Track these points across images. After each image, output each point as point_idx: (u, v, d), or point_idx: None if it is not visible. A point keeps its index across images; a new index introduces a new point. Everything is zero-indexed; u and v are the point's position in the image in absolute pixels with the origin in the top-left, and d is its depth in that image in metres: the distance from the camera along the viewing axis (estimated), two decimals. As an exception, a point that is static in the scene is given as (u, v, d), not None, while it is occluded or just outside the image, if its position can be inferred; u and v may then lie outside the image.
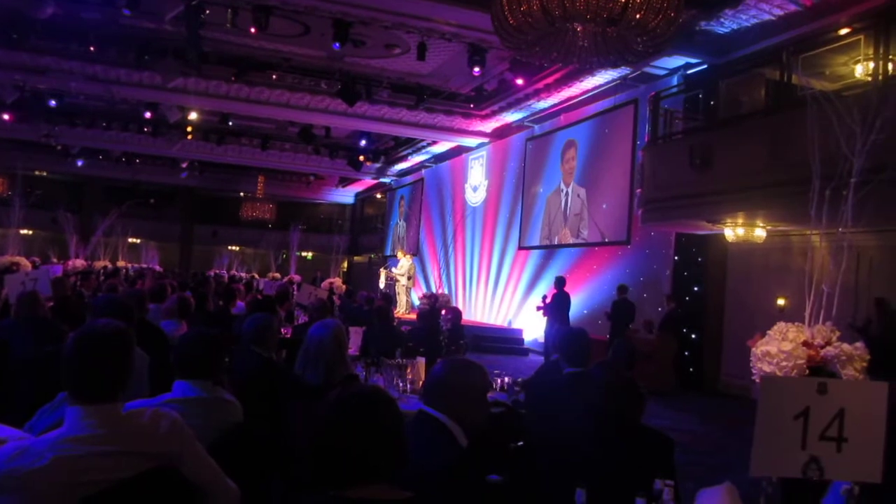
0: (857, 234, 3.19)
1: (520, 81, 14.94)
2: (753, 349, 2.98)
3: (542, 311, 13.73)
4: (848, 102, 3.23)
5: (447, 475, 2.44)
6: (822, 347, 2.86)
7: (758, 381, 2.72)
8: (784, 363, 2.81)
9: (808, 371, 2.85)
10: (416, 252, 23.94)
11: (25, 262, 13.18)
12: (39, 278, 7.72)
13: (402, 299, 18.95)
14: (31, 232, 24.57)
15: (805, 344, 2.86)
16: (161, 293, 7.08)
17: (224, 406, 3.13)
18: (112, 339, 2.23)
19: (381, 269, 22.19)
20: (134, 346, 2.32)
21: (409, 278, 19.58)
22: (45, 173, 29.46)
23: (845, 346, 2.85)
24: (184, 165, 28.48)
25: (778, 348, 2.83)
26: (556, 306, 13.25)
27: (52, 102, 18.61)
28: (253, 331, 4.53)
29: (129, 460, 2.13)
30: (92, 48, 15.01)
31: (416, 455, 2.10)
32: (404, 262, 19.62)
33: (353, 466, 1.85)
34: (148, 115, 19.54)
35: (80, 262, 17.35)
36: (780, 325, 2.95)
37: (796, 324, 2.95)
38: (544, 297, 13.97)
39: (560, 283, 13.53)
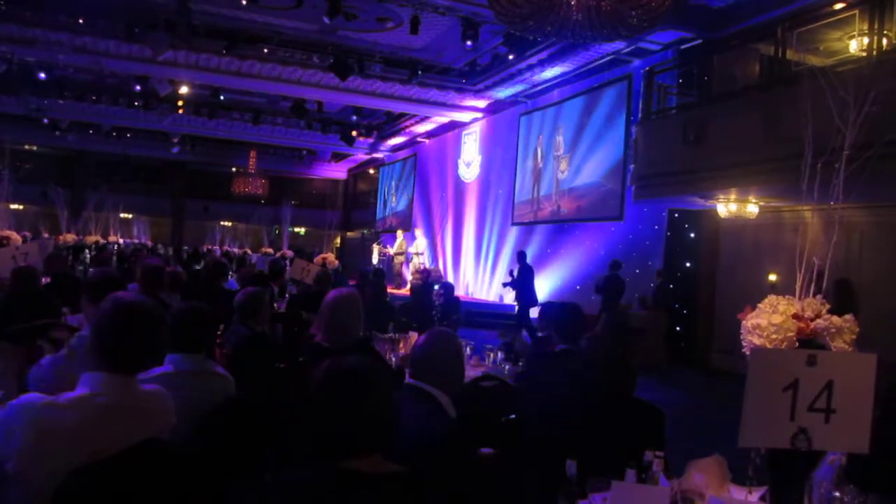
0: (848, 210, 3.20)
1: (513, 56, 14.84)
2: (744, 322, 2.99)
3: (509, 287, 14.29)
4: (843, 76, 3.21)
5: (440, 445, 2.46)
6: (812, 320, 2.87)
7: (748, 353, 2.74)
8: (774, 336, 2.83)
9: (797, 343, 2.87)
10: (408, 228, 23.90)
11: (16, 237, 13.12)
12: (30, 253, 7.67)
13: (408, 276, 18.99)
14: (21, 206, 24.44)
15: (795, 316, 2.87)
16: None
17: (216, 379, 3.15)
18: (159, 317, 2.28)
19: (374, 245, 22.16)
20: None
21: (402, 254, 19.63)
22: (34, 147, 29.14)
23: (835, 319, 2.87)
24: (175, 140, 28.23)
25: (768, 321, 2.85)
26: (523, 280, 13.71)
27: (41, 75, 18.43)
28: (245, 304, 4.53)
29: (133, 430, 2.14)
30: (81, 20, 14.81)
31: (406, 427, 2.11)
32: (420, 241, 19.80)
33: (346, 439, 1.86)
34: (138, 88, 19.35)
35: (70, 237, 17.27)
36: (771, 298, 2.97)
37: (787, 297, 2.97)
38: (511, 272, 14.26)
39: (522, 256, 14.16)
